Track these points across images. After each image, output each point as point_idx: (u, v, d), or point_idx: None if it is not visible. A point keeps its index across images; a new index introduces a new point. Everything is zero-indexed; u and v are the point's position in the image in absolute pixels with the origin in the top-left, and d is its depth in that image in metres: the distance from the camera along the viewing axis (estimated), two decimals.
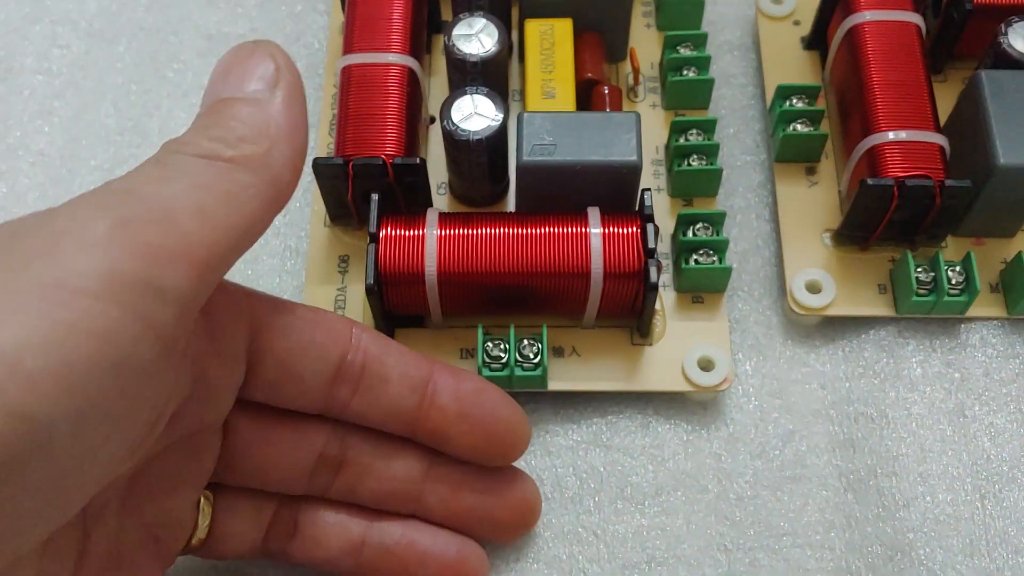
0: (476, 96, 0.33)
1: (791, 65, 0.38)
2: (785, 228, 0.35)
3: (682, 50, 0.37)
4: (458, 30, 0.34)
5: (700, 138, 0.35)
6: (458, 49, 0.33)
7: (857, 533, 0.31)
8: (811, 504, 0.32)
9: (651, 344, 0.33)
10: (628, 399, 0.33)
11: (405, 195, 0.33)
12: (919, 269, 0.33)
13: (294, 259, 0.36)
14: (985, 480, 0.32)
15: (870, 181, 0.32)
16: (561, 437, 0.33)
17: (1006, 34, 0.34)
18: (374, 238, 0.31)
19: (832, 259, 0.34)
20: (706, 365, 0.33)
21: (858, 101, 0.34)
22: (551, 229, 0.31)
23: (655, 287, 0.31)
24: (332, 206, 0.34)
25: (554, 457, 0.32)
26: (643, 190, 0.31)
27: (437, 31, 0.38)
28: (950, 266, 0.33)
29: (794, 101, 0.36)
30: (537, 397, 0.33)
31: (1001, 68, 0.34)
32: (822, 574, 0.31)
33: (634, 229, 0.31)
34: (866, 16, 0.35)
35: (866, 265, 0.34)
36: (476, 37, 0.34)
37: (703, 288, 0.34)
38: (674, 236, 0.34)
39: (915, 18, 0.35)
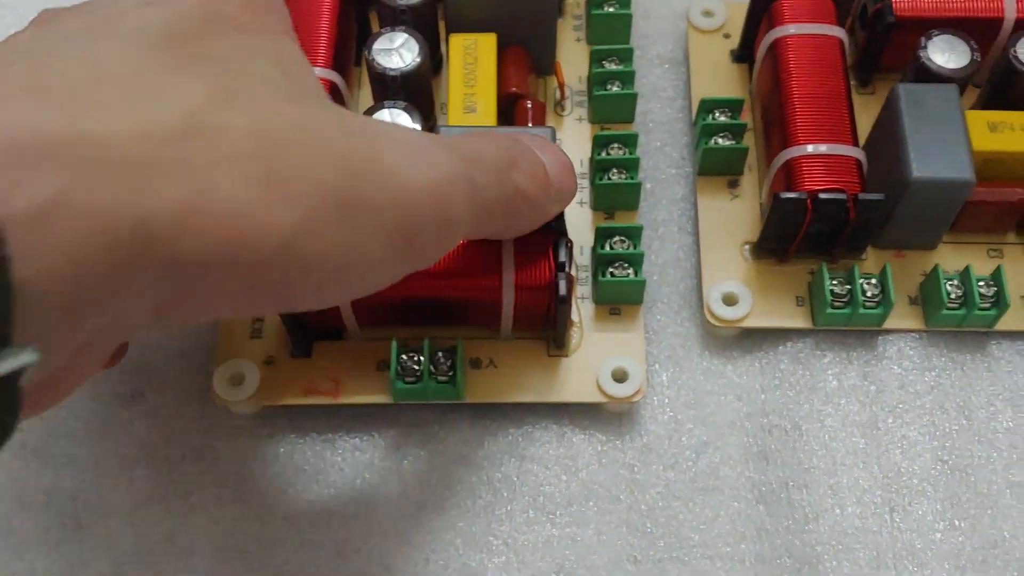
0: (393, 110, 0.33)
1: (720, 78, 0.38)
2: (705, 241, 0.35)
3: (608, 64, 0.37)
4: (379, 44, 0.34)
5: (622, 152, 0.35)
6: (378, 63, 0.34)
7: (767, 545, 0.32)
8: (723, 515, 0.32)
9: (567, 356, 0.33)
10: (545, 410, 0.34)
11: None
12: (835, 282, 0.33)
13: None
14: (895, 493, 0.32)
15: (783, 195, 0.32)
16: (477, 447, 0.33)
17: (925, 48, 0.34)
18: None
19: (751, 272, 0.35)
20: (620, 376, 0.33)
21: (778, 114, 0.35)
22: (464, 242, 0.32)
23: (565, 300, 0.31)
24: None
25: (468, 466, 0.33)
26: None
27: None
28: (866, 279, 0.33)
29: (717, 115, 0.36)
30: (456, 408, 0.33)
31: (922, 82, 0.34)
32: None
33: (546, 243, 0.32)
34: (789, 29, 0.35)
35: (784, 278, 0.35)
36: (396, 52, 0.34)
37: (619, 300, 0.34)
38: (593, 249, 0.35)
39: (838, 32, 0.35)
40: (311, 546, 0.32)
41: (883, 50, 0.36)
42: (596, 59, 0.37)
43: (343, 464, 0.33)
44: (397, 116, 0.33)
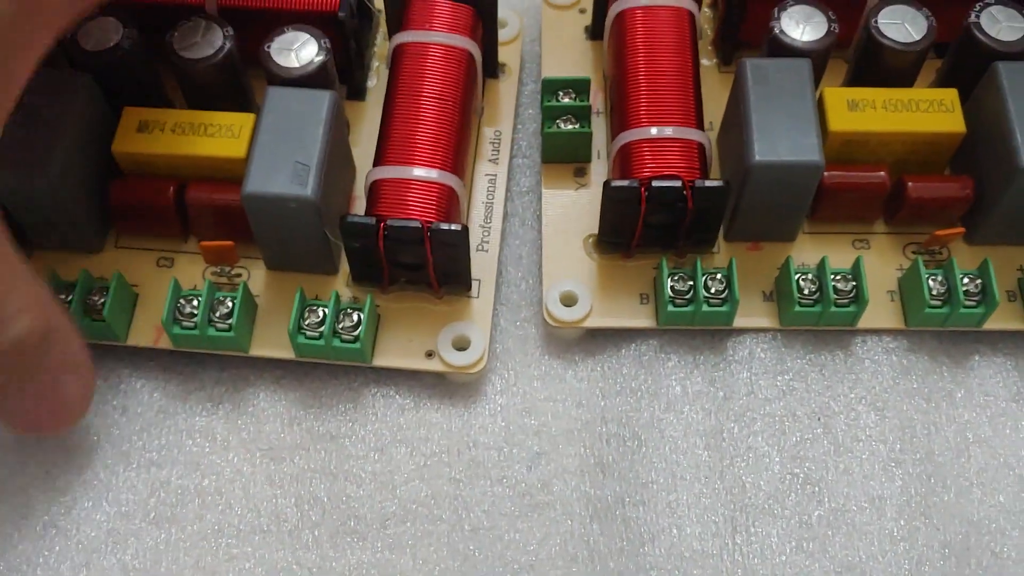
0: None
1: (575, 57, 0.35)
2: (547, 235, 0.32)
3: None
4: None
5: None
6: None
7: (599, 568, 0.29)
8: (553, 535, 0.29)
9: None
10: (363, 420, 0.31)
11: None
12: (675, 277, 0.30)
13: None
14: (739, 511, 0.29)
15: (614, 182, 0.29)
16: (286, 465, 0.30)
17: (778, 19, 0.31)
18: None
19: (593, 268, 0.32)
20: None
21: (618, 93, 0.32)
22: None
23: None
24: None
25: (275, 487, 0.30)
26: None
27: None
28: (710, 274, 0.30)
29: (561, 96, 0.33)
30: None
31: (777, 56, 0.31)
32: None
33: None
34: (632, 1, 0.32)
35: (628, 274, 0.32)
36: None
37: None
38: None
39: (687, 3, 0.32)
40: None
41: (740, 24, 0.33)
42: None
43: None
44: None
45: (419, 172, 0.30)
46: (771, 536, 0.29)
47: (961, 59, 0.32)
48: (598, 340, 0.32)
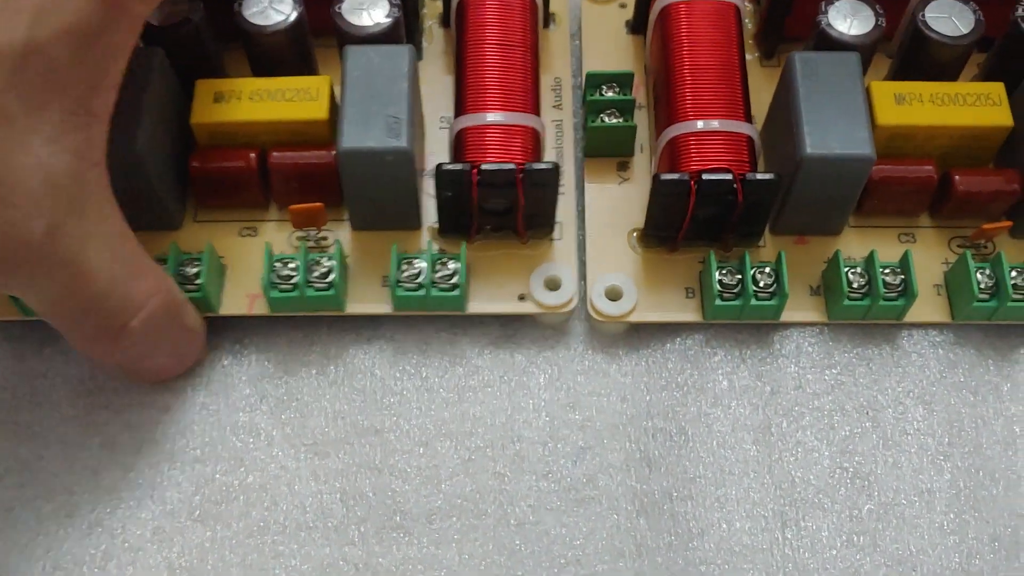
0: None
1: (616, 51, 0.35)
2: (591, 229, 0.32)
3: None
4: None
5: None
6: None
7: (647, 563, 0.28)
8: (599, 530, 0.29)
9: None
10: (406, 414, 0.31)
11: None
12: (724, 271, 0.30)
13: None
14: (788, 506, 0.29)
15: (664, 176, 0.29)
16: (331, 460, 0.30)
17: (826, 13, 0.31)
18: None
19: (638, 262, 0.31)
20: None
21: (665, 88, 0.32)
22: None
23: None
24: None
25: (320, 482, 0.30)
26: None
27: None
28: (759, 268, 0.30)
29: (604, 90, 0.33)
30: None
31: (824, 50, 0.31)
32: None
33: None
34: None
35: (674, 267, 0.31)
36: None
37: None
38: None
39: None
40: None
41: (785, 18, 0.33)
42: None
43: None
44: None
45: (502, 117, 0.31)
46: (821, 530, 0.29)
47: (1008, 53, 0.31)
48: (641, 334, 0.32)
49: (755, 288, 0.30)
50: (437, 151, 0.33)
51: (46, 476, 0.30)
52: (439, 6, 0.36)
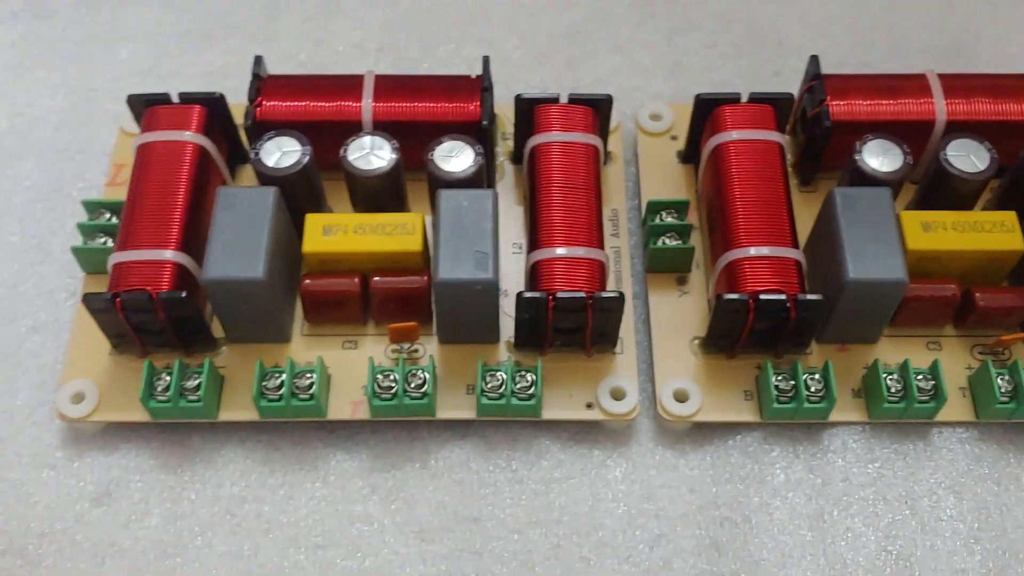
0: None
1: (668, 178, 0.40)
2: (656, 336, 0.37)
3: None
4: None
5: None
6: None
7: None
8: None
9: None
10: (500, 503, 0.35)
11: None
12: (779, 377, 0.35)
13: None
14: None
15: (727, 296, 0.34)
16: (436, 545, 0.34)
17: (860, 152, 0.36)
18: None
19: (700, 367, 0.36)
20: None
21: (721, 216, 0.36)
22: None
23: None
24: None
25: (428, 565, 0.34)
26: None
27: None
28: (809, 374, 0.35)
29: (664, 215, 0.38)
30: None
31: (857, 183, 0.36)
32: None
33: None
34: (732, 135, 0.37)
35: (733, 372, 0.36)
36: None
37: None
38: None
39: (777, 137, 0.37)
40: None
41: (822, 151, 0.38)
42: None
43: None
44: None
45: (574, 251, 0.35)
46: None
47: (1019, 183, 0.36)
48: (704, 432, 0.36)
49: (807, 392, 0.34)
50: (510, 271, 0.38)
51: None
52: (510, 144, 0.41)
